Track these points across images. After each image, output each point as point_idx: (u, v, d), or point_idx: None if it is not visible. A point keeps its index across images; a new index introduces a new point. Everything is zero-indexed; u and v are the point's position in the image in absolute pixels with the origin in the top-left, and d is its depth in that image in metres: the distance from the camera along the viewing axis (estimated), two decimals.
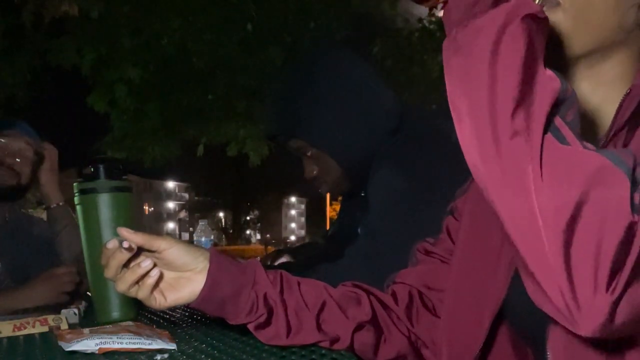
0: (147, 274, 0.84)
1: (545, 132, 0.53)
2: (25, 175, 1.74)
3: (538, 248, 0.51)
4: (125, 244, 0.82)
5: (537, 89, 0.54)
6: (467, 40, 0.57)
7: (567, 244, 0.50)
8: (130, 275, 0.84)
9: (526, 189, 0.51)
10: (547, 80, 0.55)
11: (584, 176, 0.50)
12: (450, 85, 0.58)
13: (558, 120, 0.54)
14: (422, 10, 5.16)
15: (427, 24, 5.40)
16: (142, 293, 0.85)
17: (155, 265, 0.85)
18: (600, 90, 0.70)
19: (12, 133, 1.75)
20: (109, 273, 0.85)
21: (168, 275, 0.87)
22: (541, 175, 0.51)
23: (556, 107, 0.55)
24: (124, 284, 0.84)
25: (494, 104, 0.54)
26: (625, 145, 0.64)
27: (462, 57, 0.57)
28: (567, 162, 0.51)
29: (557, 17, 0.67)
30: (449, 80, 0.58)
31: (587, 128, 0.71)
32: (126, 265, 0.85)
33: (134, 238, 0.83)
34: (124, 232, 0.83)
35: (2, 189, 1.71)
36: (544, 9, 0.66)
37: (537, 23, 0.57)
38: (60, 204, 1.81)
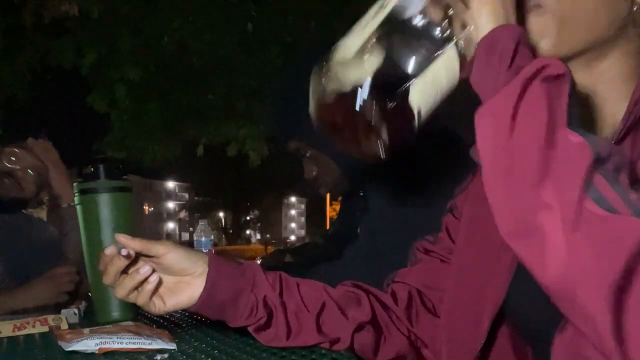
0: (146, 279, 0.84)
1: (583, 198, 0.50)
2: (30, 190, 1.74)
3: (583, 314, 0.50)
4: (124, 252, 0.82)
5: (566, 157, 0.51)
6: (489, 112, 0.56)
7: (616, 313, 0.48)
8: (129, 282, 0.84)
9: (560, 260, 0.50)
10: (577, 149, 0.52)
11: (628, 247, 0.48)
12: (479, 156, 0.57)
13: (599, 181, 0.50)
14: None
15: None
16: (141, 299, 0.85)
17: (154, 270, 0.85)
18: (601, 88, 0.70)
19: (37, 143, 1.76)
20: (108, 279, 0.84)
21: (167, 279, 0.86)
22: (576, 246, 0.49)
23: (593, 169, 0.51)
24: (122, 289, 0.84)
25: (516, 179, 0.53)
26: (634, 146, 0.63)
27: (486, 129, 0.57)
28: (609, 233, 0.49)
29: (543, 20, 0.66)
30: (479, 151, 0.57)
31: (590, 126, 0.71)
32: (125, 271, 0.84)
33: (132, 244, 0.83)
34: (122, 238, 0.83)
35: (3, 200, 1.71)
36: (532, 14, 0.66)
37: (558, 82, 0.55)
38: (71, 204, 1.81)
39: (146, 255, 0.84)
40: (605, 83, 0.70)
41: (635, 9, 0.67)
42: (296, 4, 4.91)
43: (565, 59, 0.67)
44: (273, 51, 4.96)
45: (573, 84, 0.57)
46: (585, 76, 0.70)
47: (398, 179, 1.28)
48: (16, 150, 1.70)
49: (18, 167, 1.69)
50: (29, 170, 1.71)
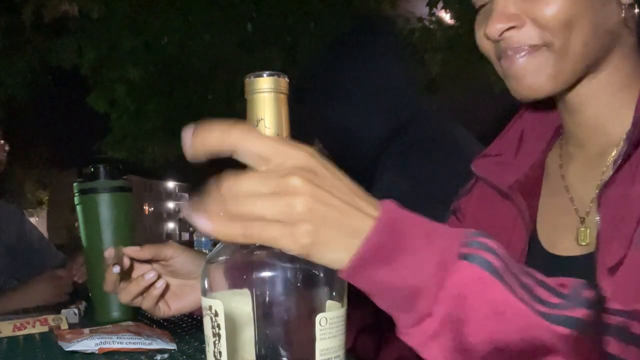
0: (151, 285, 0.83)
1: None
2: (2, 163, 1.75)
3: None
4: (116, 269, 0.81)
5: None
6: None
7: None
8: (134, 287, 0.83)
9: None
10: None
11: None
12: None
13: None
14: (422, 10, 5.15)
15: (427, 24, 5.39)
16: (146, 303, 0.84)
17: (159, 276, 0.84)
18: (602, 97, 0.69)
19: None
20: (107, 287, 0.84)
21: (172, 282, 0.86)
22: None
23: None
24: (127, 295, 0.83)
25: None
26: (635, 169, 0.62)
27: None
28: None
29: (536, 60, 0.66)
30: None
31: (592, 137, 0.71)
32: (129, 276, 0.84)
33: (142, 255, 0.83)
34: (131, 251, 0.82)
35: None
36: (521, 56, 0.64)
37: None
38: None
39: (155, 260, 0.84)
40: (605, 91, 0.69)
41: (624, 13, 0.66)
42: (296, 4, 4.91)
43: (565, 84, 0.67)
44: (273, 51, 4.96)
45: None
46: (585, 89, 0.69)
47: (403, 182, 1.28)
48: None
49: None
50: None
